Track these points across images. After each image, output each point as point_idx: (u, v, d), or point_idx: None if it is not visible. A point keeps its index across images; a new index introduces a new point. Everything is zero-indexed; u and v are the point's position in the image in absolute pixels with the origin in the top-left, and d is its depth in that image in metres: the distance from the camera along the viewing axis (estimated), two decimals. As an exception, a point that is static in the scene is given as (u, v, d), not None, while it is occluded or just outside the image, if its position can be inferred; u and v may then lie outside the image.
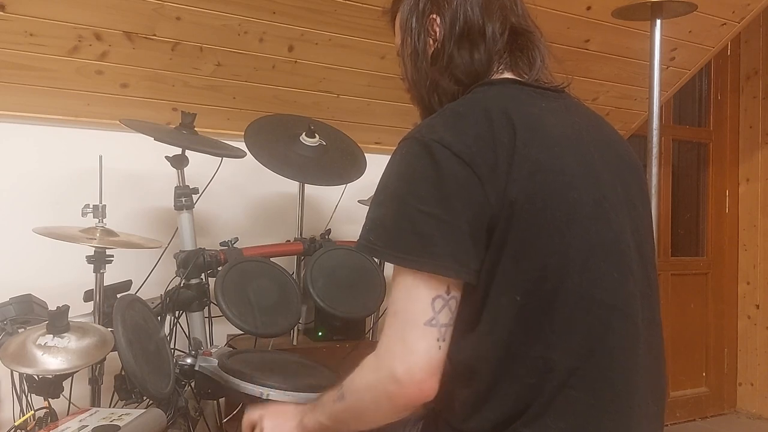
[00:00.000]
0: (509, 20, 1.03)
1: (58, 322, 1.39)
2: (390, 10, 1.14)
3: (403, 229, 0.87)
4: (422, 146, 0.88)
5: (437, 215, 0.85)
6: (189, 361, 1.61)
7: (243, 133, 1.93)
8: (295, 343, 2.04)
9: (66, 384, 1.50)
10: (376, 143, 2.49)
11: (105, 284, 1.63)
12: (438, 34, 1.04)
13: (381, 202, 0.92)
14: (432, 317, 0.86)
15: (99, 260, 1.61)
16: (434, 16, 1.04)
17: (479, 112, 0.91)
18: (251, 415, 1.14)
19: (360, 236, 0.93)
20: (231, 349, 1.74)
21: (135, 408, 1.43)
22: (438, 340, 0.87)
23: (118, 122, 1.87)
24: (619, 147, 1.03)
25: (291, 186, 2.13)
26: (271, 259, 1.87)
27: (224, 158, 1.90)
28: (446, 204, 0.85)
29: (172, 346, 1.69)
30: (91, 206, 1.62)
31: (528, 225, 0.86)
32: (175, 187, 1.81)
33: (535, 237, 0.86)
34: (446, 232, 0.85)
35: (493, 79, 1.01)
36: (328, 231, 2.04)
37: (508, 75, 1.03)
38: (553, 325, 0.87)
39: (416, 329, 0.86)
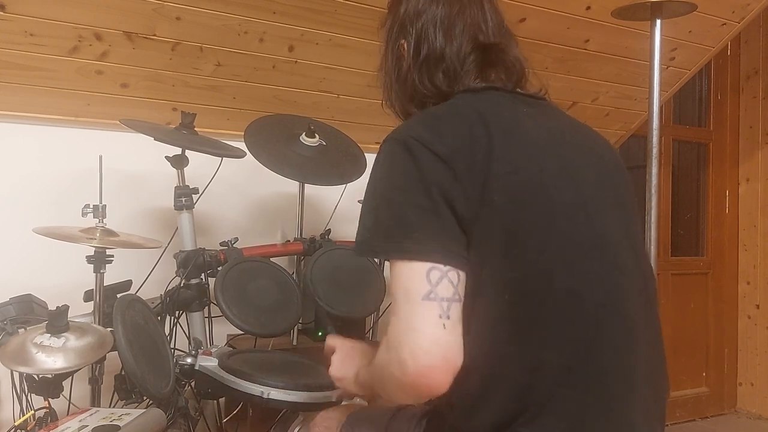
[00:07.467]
0: (476, 39, 1.04)
1: (57, 322, 1.39)
2: (381, 26, 1.17)
3: (392, 224, 0.88)
4: (401, 144, 0.90)
5: (422, 204, 0.86)
6: (189, 360, 1.61)
7: (243, 133, 1.93)
8: (295, 343, 2.04)
9: (66, 384, 1.50)
10: (376, 143, 2.48)
11: (105, 284, 1.63)
12: (405, 60, 1.07)
13: (369, 203, 0.93)
14: (429, 290, 0.83)
15: (99, 260, 1.61)
16: (402, 41, 1.07)
17: (457, 115, 0.93)
18: (333, 341, 1.17)
19: (356, 239, 0.94)
20: (231, 348, 1.74)
21: (135, 408, 1.43)
22: (440, 316, 0.82)
23: (118, 122, 1.87)
24: (600, 149, 1.04)
25: (291, 186, 2.13)
26: (271, 259, 1.87)
27: (224, 158, 1.90)
28: (429, 194, 0.86)
29: (172, 345, 1.69)
30: (91, 206, 1.62)
31: (510, 225, 0.87)
32: (175, 187, 1.81)
33: (518, 237, 0.87)
34: (432, 220, 0.86)
35: (473, 86, 1.03)
36: (328, 231, 2.04)
37: (485, 85, 1.04)
38: (545, 323, 0.87)
39: (415, 305, 0.83)
